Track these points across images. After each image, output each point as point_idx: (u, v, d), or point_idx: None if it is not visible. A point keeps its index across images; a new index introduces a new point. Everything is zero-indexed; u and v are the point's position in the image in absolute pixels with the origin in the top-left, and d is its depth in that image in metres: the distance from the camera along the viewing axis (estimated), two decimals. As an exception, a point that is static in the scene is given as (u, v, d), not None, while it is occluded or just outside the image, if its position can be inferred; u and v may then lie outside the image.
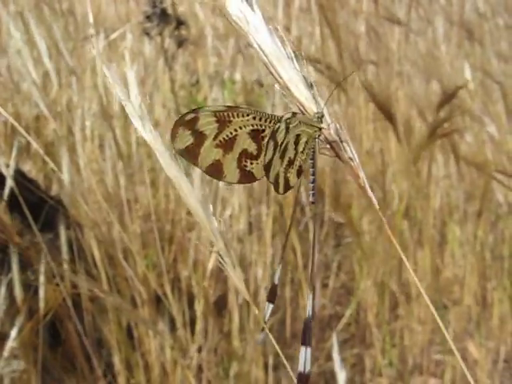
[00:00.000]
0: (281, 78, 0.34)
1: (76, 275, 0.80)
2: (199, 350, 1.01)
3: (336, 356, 0.66)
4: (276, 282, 0.39)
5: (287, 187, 0.35)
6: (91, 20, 1.13)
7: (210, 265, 1.04)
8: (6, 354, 0.83)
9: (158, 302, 0.97)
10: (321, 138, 0.36)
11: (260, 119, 0.35)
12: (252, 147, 0.35)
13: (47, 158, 0.79)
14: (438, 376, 1.25)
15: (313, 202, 0.36)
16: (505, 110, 1.31)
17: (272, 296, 0.39)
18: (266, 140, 0.35)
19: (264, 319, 0.39)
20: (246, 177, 0.36)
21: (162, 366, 0.93)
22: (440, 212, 1.40)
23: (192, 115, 0.34)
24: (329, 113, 0.35)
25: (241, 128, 0.34)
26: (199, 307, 1.02)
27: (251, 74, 1.47)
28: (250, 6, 0.34)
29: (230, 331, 1.05)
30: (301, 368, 0.37)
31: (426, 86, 1.53)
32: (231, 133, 0.34)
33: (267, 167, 0.33)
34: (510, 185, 1.08)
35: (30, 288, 0.87)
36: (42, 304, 0.83)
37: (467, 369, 1.18)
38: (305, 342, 0.37)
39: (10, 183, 0.78)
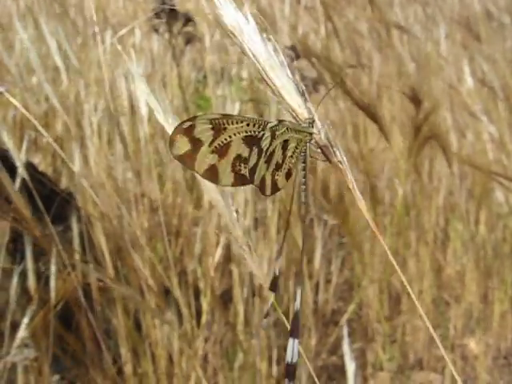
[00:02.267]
0: (274, 85, 0.36)
1: (86, 265, 0.82)
2: (205, 341, 1.03)
3: (346, 348, 0.68)
4: (277, 273, 0.40)
5: (275, 189, 0.38)
6: (95, 17, 1.15)
7: (216, 258, 1.06)
8: (17, 342, 0.85)
9: (165, 295, 0.99)
10: (312, 142, 0.37)
11: (254, 125, 0.36)
12: (245, 152, 0.37)
13: (59, 150, 0.81)
14: (438, 371, 1.27)
15: (304, 202, 0.38)
16: (506, 109, 1.32)
17: (273, 286, 0.40)
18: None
19: (268, 306, 0.41)
20: (240, 180, 0.38)
21: (169, 356, 0.95)
22: (443, 210, 1.42)
23: (189, 123, 0.35)
24: (320, 117, 0.37)
25: (235, 134, 0.36)
26: (205, 300, 1.04)
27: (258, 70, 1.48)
28: (245, 16, 0.35)
29: (235, 324, 1.07)
30: (288, 359, 0.38)
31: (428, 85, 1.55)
32: (226, 139, 0.36)
33: (251, 171, 0.36)
34: (510, 186, 1.09)
35: (41, 279, 0.89)
36: (52, 293, 0.84)
37: (467, 365, 1.20)
38: (293, 334, 0.38)
39: (21, 173, 0.80)
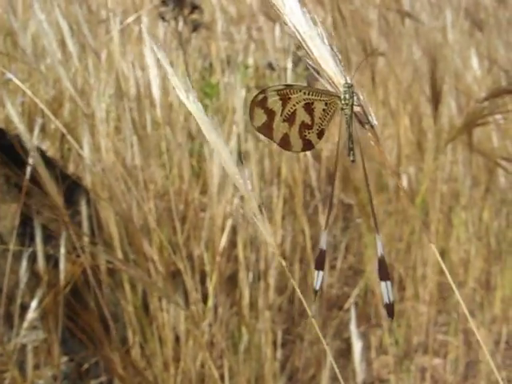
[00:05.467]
0: (313, 54, 0.39)
1: (95, 247, 0.83)
2: (210, 325, 1.04)
3: (353, 328, 0.70)
4: (323, 247, 0.41)
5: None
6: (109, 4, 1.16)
7: (222, 243, 1.07)
8: (26, 324, 0.86)
9: (172, 278, 1.00)
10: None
11: (309, 93, 0.39)
12: (307, 119, 0.40)
13: (68, 135, 0.82)
14: (441, 356, 1.29)
15: (353, 161, 0.41)
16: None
17: (320, 263, 0.40)
18: (316, 110, 0.40)
19: (315, 288, 0.40)
20: (307, 145, 0.41)
21: (176, 338, 0.96)
22: (447, 197, 1.43)
23: (262, 95, 0.38)
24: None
25: (297, 103, 0.39)
26: (211, 284, 1.05)
27: (263, 58, 1.50)
28: None
29: (241, 308, 1.09)
30: (386, 299, 0.40)
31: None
32: (291, 108, 0.39)
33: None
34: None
35: (49, 262, 0.90)
36: (62, 276, 0.86)
37: (470, 349, 1.20)
38: (384, 278, 0.39)
39: (34, 156, 0.81)
